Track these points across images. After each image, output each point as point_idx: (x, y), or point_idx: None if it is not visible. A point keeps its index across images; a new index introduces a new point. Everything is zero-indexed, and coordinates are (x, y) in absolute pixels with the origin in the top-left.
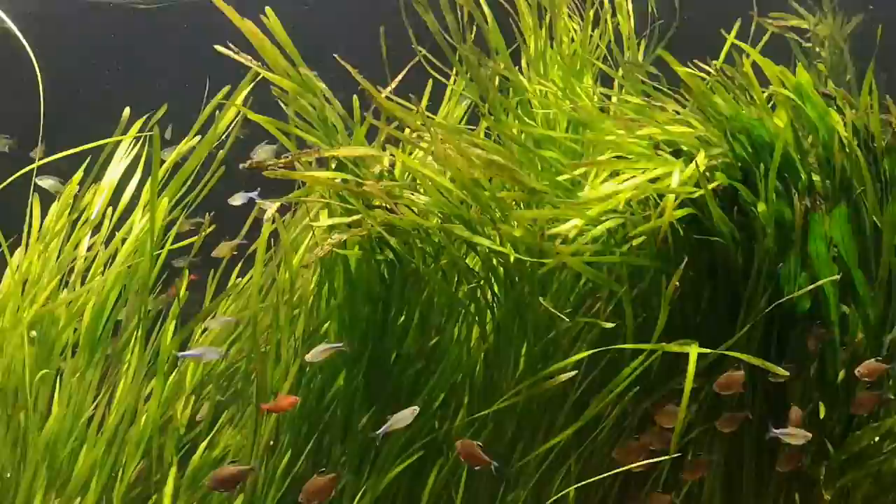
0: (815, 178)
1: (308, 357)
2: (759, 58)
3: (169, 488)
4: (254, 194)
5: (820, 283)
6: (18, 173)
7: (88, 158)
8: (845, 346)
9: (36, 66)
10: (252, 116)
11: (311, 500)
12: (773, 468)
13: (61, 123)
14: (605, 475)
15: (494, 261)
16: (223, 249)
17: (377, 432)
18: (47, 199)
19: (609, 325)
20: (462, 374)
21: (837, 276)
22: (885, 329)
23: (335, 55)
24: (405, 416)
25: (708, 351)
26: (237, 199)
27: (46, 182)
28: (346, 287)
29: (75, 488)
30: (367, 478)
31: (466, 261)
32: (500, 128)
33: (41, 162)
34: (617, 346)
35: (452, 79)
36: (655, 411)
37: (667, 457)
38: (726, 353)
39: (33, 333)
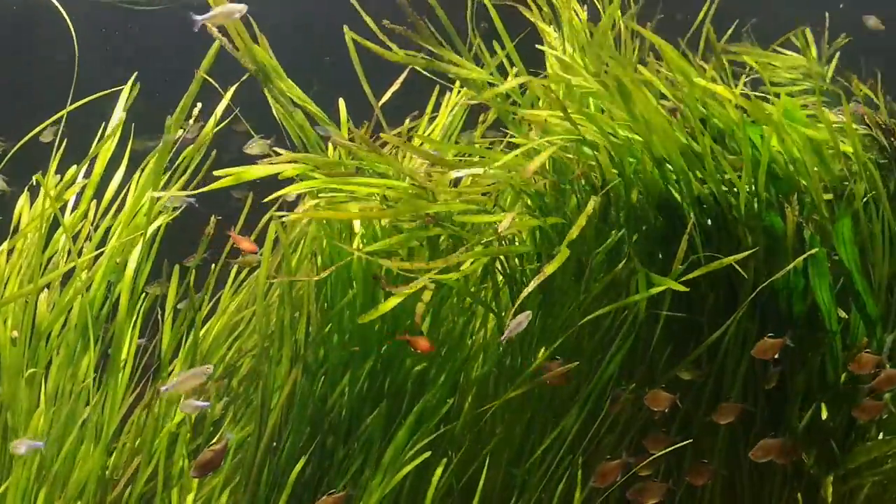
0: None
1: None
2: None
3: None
4: (191, 200)
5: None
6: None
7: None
8: (847, 348)
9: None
10: None
11: None
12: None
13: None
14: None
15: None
16: (249, 259)
17: (501, 338)
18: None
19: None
20: (469, 372)
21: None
22: (885, 330)
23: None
24: (522, 320)
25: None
26: (176, 202)
27: None
28: (353, 284)
29: (74, 492)
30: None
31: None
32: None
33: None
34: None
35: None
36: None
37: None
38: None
39: (15, 333)
